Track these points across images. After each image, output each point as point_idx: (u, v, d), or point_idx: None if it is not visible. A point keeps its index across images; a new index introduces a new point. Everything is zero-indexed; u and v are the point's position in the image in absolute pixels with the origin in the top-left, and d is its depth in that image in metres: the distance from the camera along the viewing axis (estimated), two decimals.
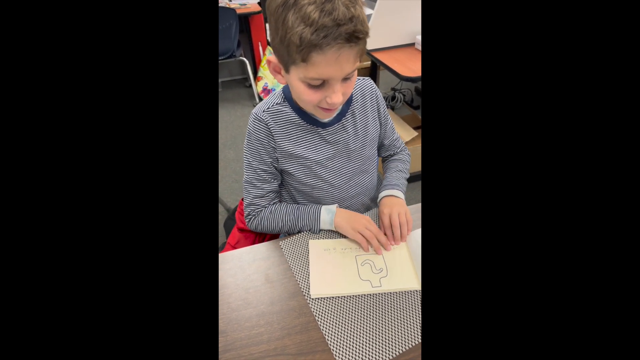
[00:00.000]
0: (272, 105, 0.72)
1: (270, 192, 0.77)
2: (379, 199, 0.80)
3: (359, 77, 0.77)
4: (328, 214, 0.73)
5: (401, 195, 0.78)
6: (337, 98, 0.60)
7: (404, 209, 0.73)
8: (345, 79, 0.60)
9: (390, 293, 0.62)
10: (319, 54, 0.53)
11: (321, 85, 0.59)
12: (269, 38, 2.83)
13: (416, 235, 0.72)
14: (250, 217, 0.78)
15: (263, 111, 0.72)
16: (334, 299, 0.61)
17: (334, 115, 0.72)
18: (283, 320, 0.58)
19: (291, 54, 0.55)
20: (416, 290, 0.62)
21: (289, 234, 0.77)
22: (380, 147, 0.88)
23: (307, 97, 0.61)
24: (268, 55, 0.64)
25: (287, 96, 0.72)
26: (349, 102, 0.75)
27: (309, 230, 0.74)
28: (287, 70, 0.60)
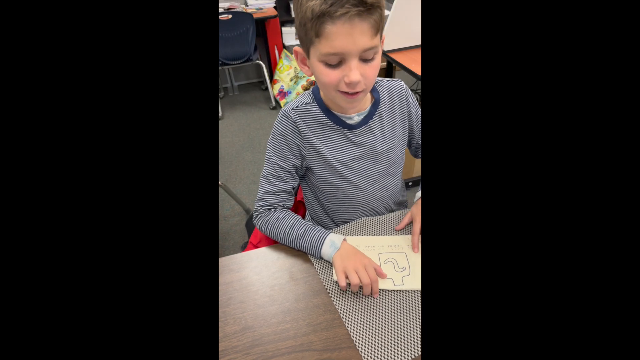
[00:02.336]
0: (301, 105, 0.73)
1: (283, 191, 0.75)
2: (415, 198, 0.79)
3: (389, 79, 0.78)
4: (330, 247, 0.67)
5: None
6: (354, 76, 0.58)
7: None
8: (365, 60, 0.59)
9: (415, 291, 0.62)
10: (330, 25, 0.54)
11: (339, 64, 0.59)
12: (284, 42, 2.85)
13: None
14: (257, 214, 0.76)
15: (292, 109, 0.73)
16: (359, 297, 0.62)
17: (357, 104, 0.69)
18: (308, 317, 0.59)
19: (308, 33, 0.57)
20: None
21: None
22: (417, 148, 0.86)
23: (326, 78, 0.61)
24: (295, 46, 0.67)
25: (317, 96, 0.73)
26: (376, 104, 0.74)
27: (309, 254, 0.70)
28: (308, 55, 0.62)
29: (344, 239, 0.69)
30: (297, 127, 0.72)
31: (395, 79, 0.79)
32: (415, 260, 0.68)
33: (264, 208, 0.76)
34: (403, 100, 0.77)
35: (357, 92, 0.62)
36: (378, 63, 0.62)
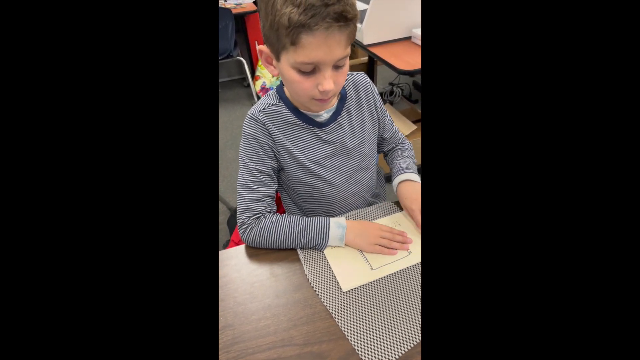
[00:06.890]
0: (268, 106, 0.72)
1: (267, 196, 0.71)
2: (395, 187, 0.79)
3: (352, 72, 0.77)
4: (338, 229, 0.68)
5: (417, 177, 0.77)
6: (328, 85, 0.59)
7: None
8: (337, 67, 0.59)
9: (405, 281, 0.63)
10: (308, 35, 0.53)
11: (312, 72, 0.59)
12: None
13: None
14: (246, 226, 0.69)
15: (259, 111, 0.71)
16: (347, 291, 0.62)
17: (328, 107, 0.71)
18: (289, 312, 0.59)
19: (281, 38, 0.56)
20: None
21: (288, 248, 0.70)
22: (382, 141, 0.87)
23: (298, 86, 0.60)
24: (259, 46, 0.65)
25: (282, 96, 0.72)
26: (343, 100, 0.74)
27: (314, 247, 0.68)
28: (277, 59, 0.61)
29: (345, 218, 0.71)
30: (267, 129, 0.71)
31: (358, 72, 0.78)
32: (416, 233, 0.72)
33: (251, 219, 0.69)
34: (369, 93, 0.77)
35: (329, 97, 0.63)
36: (347, 68, 0.63)
